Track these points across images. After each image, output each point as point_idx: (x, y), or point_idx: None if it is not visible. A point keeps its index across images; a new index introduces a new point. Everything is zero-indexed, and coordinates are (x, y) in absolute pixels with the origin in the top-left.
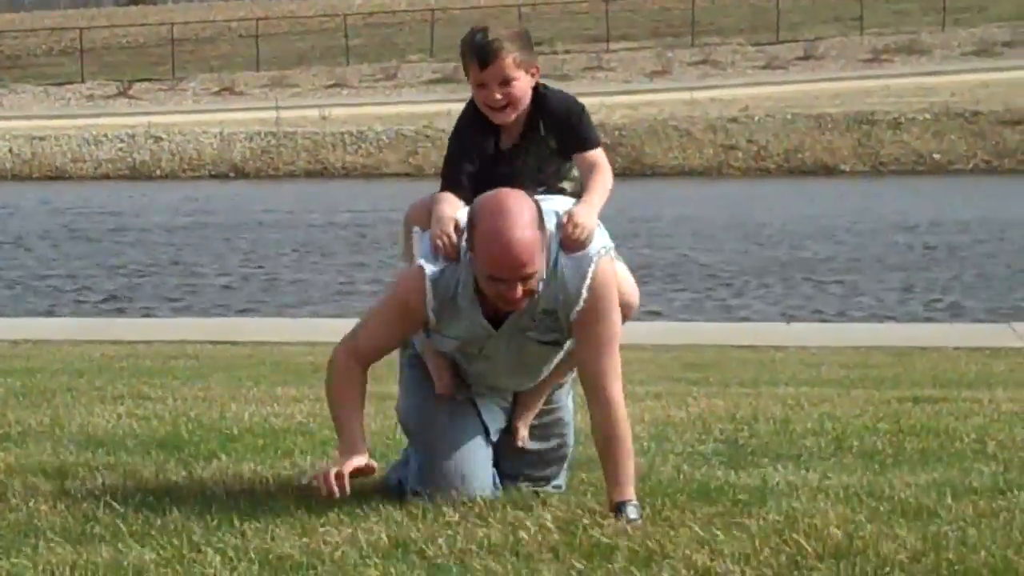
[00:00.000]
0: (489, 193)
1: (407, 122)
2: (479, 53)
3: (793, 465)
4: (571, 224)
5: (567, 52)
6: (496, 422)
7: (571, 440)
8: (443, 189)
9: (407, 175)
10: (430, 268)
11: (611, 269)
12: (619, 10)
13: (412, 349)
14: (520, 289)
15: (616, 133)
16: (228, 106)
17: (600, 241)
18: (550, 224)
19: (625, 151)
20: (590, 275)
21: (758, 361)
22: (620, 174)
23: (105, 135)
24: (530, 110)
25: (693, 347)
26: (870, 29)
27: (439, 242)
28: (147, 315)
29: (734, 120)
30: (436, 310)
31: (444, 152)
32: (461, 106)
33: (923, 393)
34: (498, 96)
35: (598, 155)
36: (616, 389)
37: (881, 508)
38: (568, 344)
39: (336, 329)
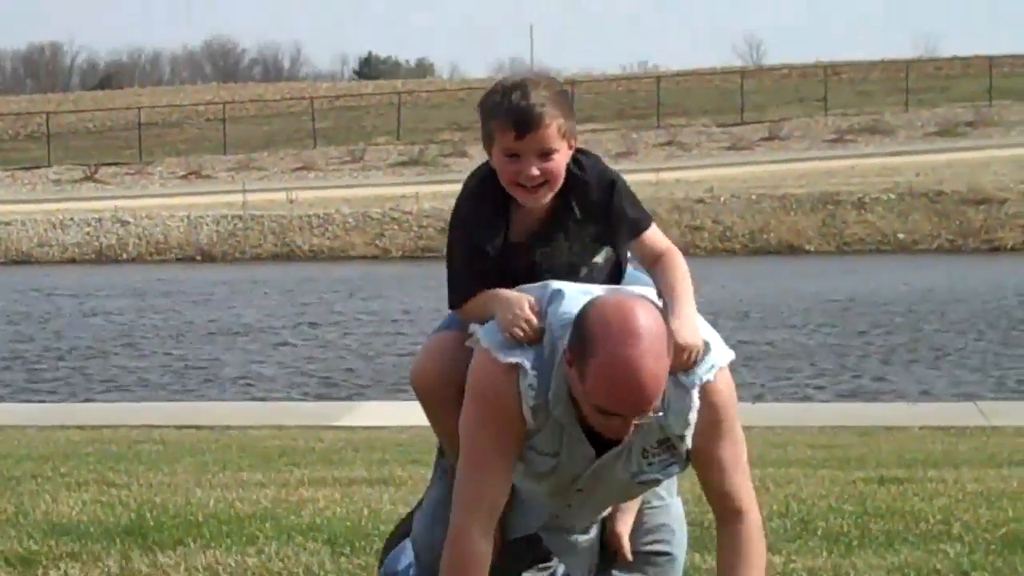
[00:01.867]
0: (610, 299)
1: (374, 204)
2: (518, 117)
3: None
4: (683, 351)
5: None
6: (581, 563)
7: (680, 553)
8: (458, 304)
9: (374, 257)
10: (519, 358)
11: (726, 381)
12: (584, 92)
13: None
14: (634, 423)
15: None
16: (195, 190)
17: (711, 357)
18: None
19: None
20: (695, 394)
21: None
22: None
23: (71, 219)
24: (561, 187)
25: None
26: (834, 110)
27: (517, 331)
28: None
29: (700, 201)
30: (533, 411)
31: (416, 235)
32: (427, 188)
33: (889, 473)
34: (535, 172)
35: (657, 236)
36: (751, 507)
37: None
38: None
39: (302, 411)
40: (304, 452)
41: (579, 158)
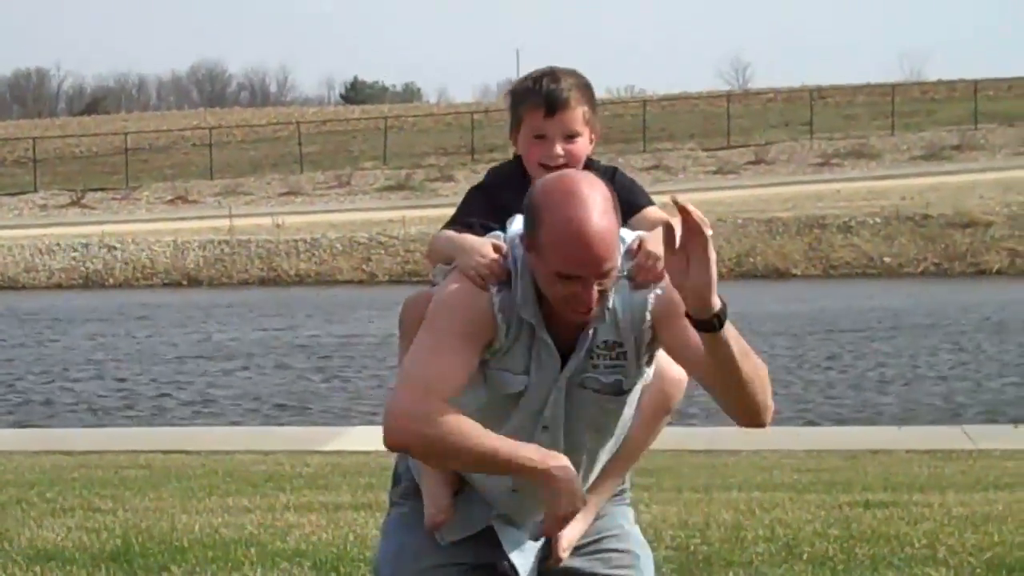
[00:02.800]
0: (549, 177)
1: (360, 229)
2: (548, 97)
3: (744, 573)
4: (645, 254)
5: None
6: (527, 559)
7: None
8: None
9: (360, 282)
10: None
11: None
12: None
13: (405, 481)
14: (596, 290)
15: None
16: (181, 215)
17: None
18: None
19: None
20: (650, 298)
21: (711, 465)
22: None
23: (58, 244)
24: None
25: (647, 452)
26: (820, 134)
27: (478, 272)
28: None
29: None
30: (505, 326)
31: (402, 260)
32: (413, 213)
33: (875, 497)
34: (559, 151)
35: (656, 210)
36: (766, 402)
37: None
38: (625, 418)
39: (288, 436)
40: (290, 477)
41: (590, 158)
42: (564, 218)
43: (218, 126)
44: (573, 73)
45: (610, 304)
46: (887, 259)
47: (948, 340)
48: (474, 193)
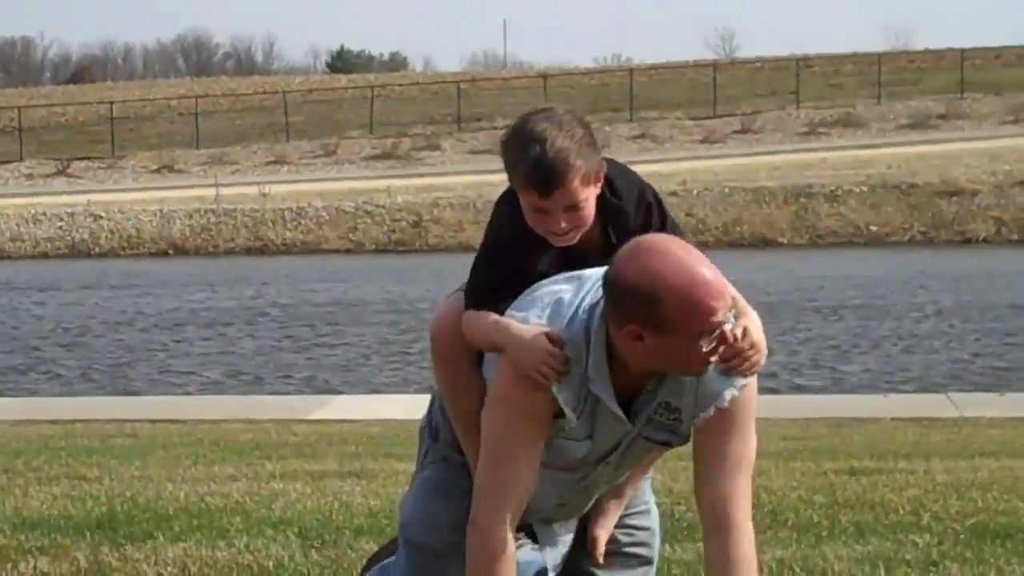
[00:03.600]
0: (639, 244)
1: (347, 198)
2: (540, 177)
3: None
4: (749, 343)
5: (507, 127)
6: (556, 555)
7: (655, 559)
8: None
9: (347, 251)
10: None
11: (752, 382)
12: (557, 86)
13: (444, 443)
14: (730, 328)
15: None
16: (167, 184)
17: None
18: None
19: None
20: (727, 396)
21: None
22: None
23: (44, 214)
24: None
25: None
26: (806, 103)
27: (541, 372)
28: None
29: (673, 194)
30: (575, 411)
31: (389, 229)
32: (400, 182)
33: (860, 465)
34: (563, 224)
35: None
36: (746, 518)
37: None
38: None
39: (275, 405)
40: (276, 446)
41: (612, 181)
42: (699, 273)
43: (204, 95)
44: (566, 124)
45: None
46: (874, 228)
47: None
48: (489, 261)
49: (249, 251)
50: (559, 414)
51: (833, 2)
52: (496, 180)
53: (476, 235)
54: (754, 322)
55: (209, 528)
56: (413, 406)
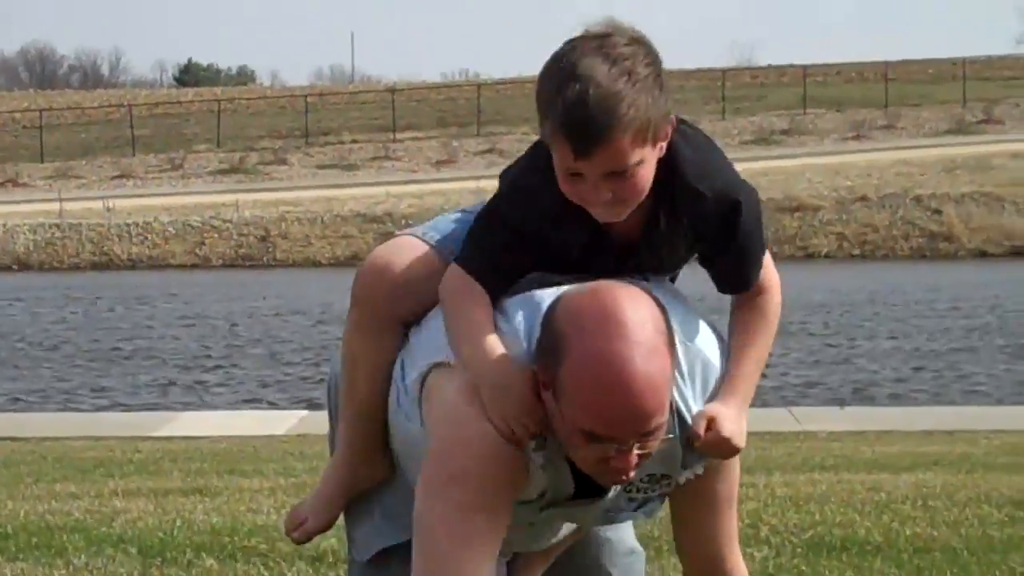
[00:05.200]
0: (581, 289)
1: (193, 213)
2: (574, 132)
3: None
4: (716, 435)
5: (354, 142)
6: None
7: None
8: (469, 271)
9: (194, 266)
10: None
11: None
12: (405, 100)
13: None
14: (635, 454)
15: (403, 222)
16: (11, 198)
17: None
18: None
19: None
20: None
21: None
22: None
23: None
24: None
25: None
26: None
27: (515, 431)
28: None
29: None
30: (545, 481)
31: (236, 244)
32: (247, 196)
33: None
34: (606, 195)
35: (767, 289)
36: (738, 561)
37: None
38: None
39: (120, 422)
40: (120, 463)
41: (679, 151)
42: (601, 354)
43: (49, 108)
44: (620, 59)
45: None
46: None
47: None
48: (493, 220)
49: (95, 266)
50: None
51: (678, 19)
52: (344, 195)
53: (324, 249)
54: (730, 409)
55: (48, 547)
56: (260, 422)
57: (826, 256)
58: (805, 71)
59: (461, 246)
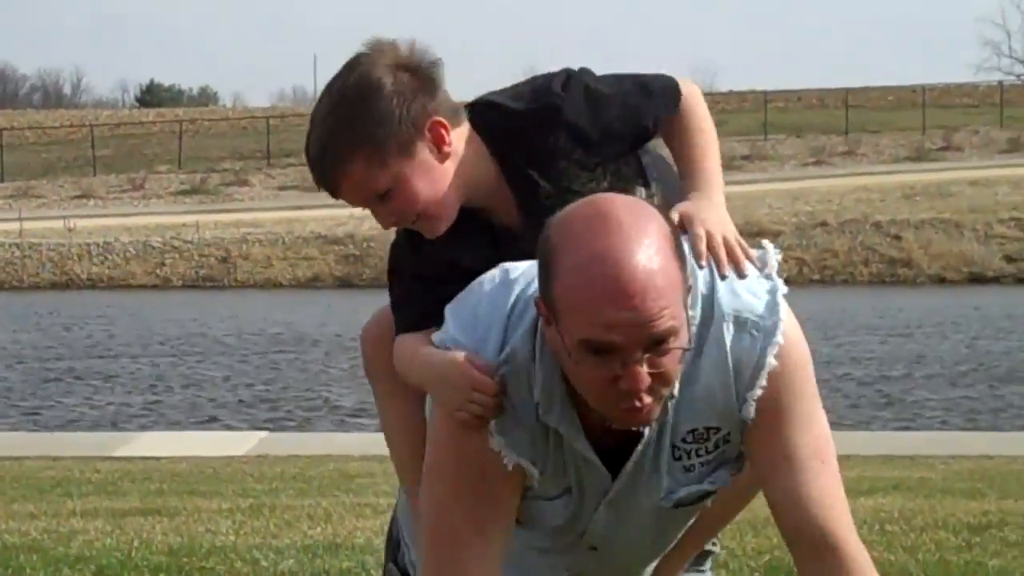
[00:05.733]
0: (572, 205)
1: (154, 233)
2: (319, 179)
3: None
4: (712, 236)
5: None
6: None
7: None
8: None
9: (154, 287)
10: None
11: (793, 323)
12: None
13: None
14: (646, 366)
15: (364, 245)
16: None
17: (770, 260)
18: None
19: (374, 262)
20: (778, 339)
21: None
22: (370, 286)
23: None
24: (499, 158)
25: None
26: None
27: (467, 411)
28: None
29: None
30: (531, 461)
31: (196, 264)
32: (208, 217)
33: None
34: (389, 219)
35: (688, 103)
36: (853, 540)
37: None
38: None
39: (79, 442)
40: (79, 483)
41: (484, 116)
42: (593, 250)
43: (9, 127)
44: (348, 89)
45: (674, 392)
46: None
47: None
48: (402, 257)
49: (55, 286)
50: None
51: (637, 44)
52: (305, 217)
53: (284, 271)
54: (698, 199)
55: (5, 566)
56: (219, 443)
57: (786, 281)
58: (766, 97)
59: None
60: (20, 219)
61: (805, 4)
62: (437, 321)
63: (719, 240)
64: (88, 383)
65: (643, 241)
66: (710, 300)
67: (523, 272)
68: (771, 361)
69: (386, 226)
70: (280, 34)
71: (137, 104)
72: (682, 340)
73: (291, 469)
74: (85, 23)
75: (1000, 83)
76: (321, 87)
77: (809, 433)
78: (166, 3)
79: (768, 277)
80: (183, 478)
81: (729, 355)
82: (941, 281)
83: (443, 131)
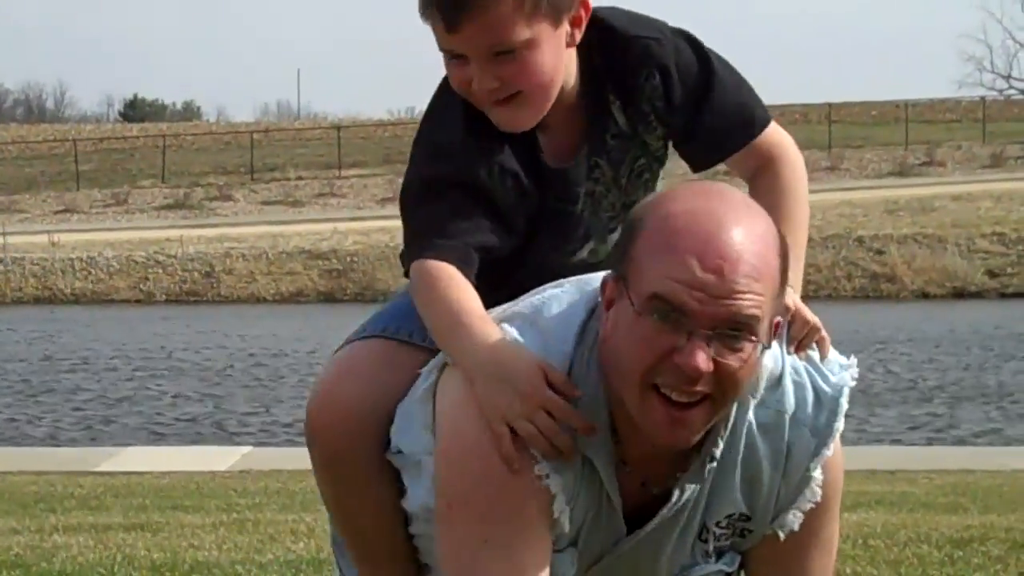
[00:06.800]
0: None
1: (138, 248)
2: (446, 1)
3: None
4: (802, 324)
5: (300, 178)
6: None
7: None
8: (429, 258)
9: (138, 301)
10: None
11: (837, 444)
12: (352, 137)
13: None
14: (710, 356)
15: (348, 259)
16: None
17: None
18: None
19: (357, 276)
20: (827, 451)
21: None
22: (354, 301)
23: None
24: (588, 76)
25: None
26: None
27: (551, 446)
28: None
29: None
30: (568, 514)
31: (180, 279)
32: (192, 232)
33: None
34: (490, 83)
35: (777, 143)
36: None
37: None
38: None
39: (62, 457)
40: (62, 498)
41: (606, 18)
42: (688, 206)
43: None
44: None
45: (716, 454)
46: None
47: None
48: (432, 159)
49: (38, 300)
50: None
51: None
52: (289, 232)
53: (268, 285)
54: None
55: None
56: (203, 457)
57: None
58: None
59: (404, 238)
60: (3, 233)
61: (788, 19)
62: (460, 253)
63: (821, 336)
64: (71, 397)
65: (752, 220)
66: (778, 383)
67: (594, 291)
68: (817, 475)
69: (478, 90)
70: (264, 49)
71: (121, 119)
72: (759, 339)
73: (274, 484)
74: (69, 37)
75: (982, 98)
76: (305, 102)
77: (829, 556)
78: (149, 17)
79: (839, 388)
80: (166, 493)
81: (785, 448)
82: (924, 296)
83: (584, 16)
